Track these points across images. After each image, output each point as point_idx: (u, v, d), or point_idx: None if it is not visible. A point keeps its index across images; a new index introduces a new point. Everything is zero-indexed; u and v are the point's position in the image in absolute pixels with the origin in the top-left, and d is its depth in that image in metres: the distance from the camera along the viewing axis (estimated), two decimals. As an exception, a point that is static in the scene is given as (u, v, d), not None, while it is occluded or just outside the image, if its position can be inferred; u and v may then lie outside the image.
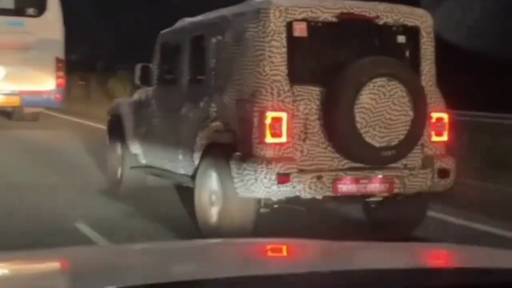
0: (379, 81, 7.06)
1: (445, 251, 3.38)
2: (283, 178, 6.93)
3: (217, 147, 7.61)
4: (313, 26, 7.22)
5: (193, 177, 7.97)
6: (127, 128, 9.91)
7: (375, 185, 7.33)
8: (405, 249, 3.44)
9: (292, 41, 7.15)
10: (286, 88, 7.09)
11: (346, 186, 7.21)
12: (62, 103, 18.89)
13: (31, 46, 17.85)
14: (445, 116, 7.67)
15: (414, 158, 7.49)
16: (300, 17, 7.18)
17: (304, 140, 7.12)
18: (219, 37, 7.84)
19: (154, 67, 9.40)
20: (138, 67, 9.36)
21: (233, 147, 7.31)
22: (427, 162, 7.54)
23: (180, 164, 8.53)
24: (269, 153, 7.01)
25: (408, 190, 7.45)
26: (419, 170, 7.50)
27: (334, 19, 7.27)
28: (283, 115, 7.02)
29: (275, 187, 6.94)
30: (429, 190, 7.55)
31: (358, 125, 7.03)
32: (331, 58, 7.33)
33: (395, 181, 7.37)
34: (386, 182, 7.34)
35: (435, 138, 7.59)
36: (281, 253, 3.29)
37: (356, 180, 7.24)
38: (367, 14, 7.43)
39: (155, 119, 9.28)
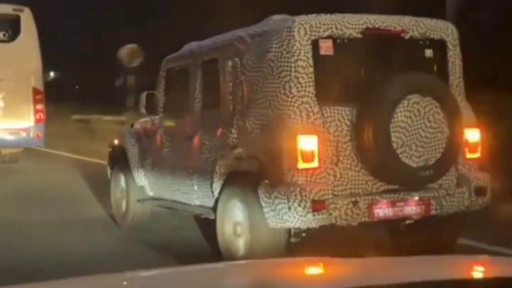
0: (414, 97, 6.71)
1: (485, 262, 3.25)
2: (318, 205, 6.52)
3: (241, 176, 7.20)
4: (339, 44, 6.85)
5: (214, 208, 7.53)
6: (131, 160, 9.47)
7: (411, 207, 6.95)
8: (445, 261, 3.33)
9: (319, 60, 6.77)
10: (315, 109, 6.70)
11: (382, 210, 6.82)
12: (43, 141, 16.18)
13: (3, 76, 15.38)
14: (477, 131, 7.32)
15: (449, 177, 7.12)
16: (325, 34, 6.81)
17: (336, 164, 6.73)
18: (236, 60, 7.45)
19: (159, 94, 8.97)
20: (144, 96, 8.93)
21: (259, 174, 6.89)
22: (462, 180, 7.18)
23: (195, 195, 8.10)
24: (301, 179, 6.60)
25: (445, 211, 7.08)
26: (455, 190, 7.13)
27: (359, 35, 6.91)
28: (314, 139, 6.63)
29: (310, 215, 6.53)
30: (466, 210, 7.18)
31: (394, 145, 6.66)
32: (359, 76, 6.97)
33: (431, 202, 7.00)
34: (422, 204, 6.97)
35: (469, 155, 7.24)
36: (320, 271, 3.19)
37: (393, 203, 6.85)
38: (393, 29, 7.09)
39: (164, 149, 8.84)
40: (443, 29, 7.32)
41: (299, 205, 6.51)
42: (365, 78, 6.92)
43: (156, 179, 9.11)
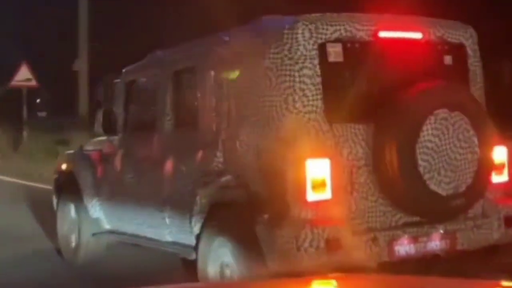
0: (441, 112, 5.59)
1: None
2: (333, 245, 5.35)
3: (229, 208, 5.97)
4: (350, 48, 5.70)
5: (195, 247, 6.29)
6: (84, 187, 8.16)
7: (435, 242, 5.84)
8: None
9: (326, 68, 5.60)
10: (325, 127, 5.53)
11: (404, 248, 5.69)
12: None
13: None
14: (504, 149, 6.25)
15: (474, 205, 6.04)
16: (333, 37, 5.65)
17: (351, 193, 5.57)
18: (219, 69, 6.24)
19: (118, 111, 7.69)
20: (100, 113, 7.63)
21: (253, 207, 5.68)
22: (489, 209, 6.11)
23: (166, 229, 6.86)
24: (311, 213, 5.42)
25: (472, 246, 5.98)
26: (483, 220, 6.05)
27: (371, 38, 5.78)
28: (326, 163, 5.46)
29: (324, 257, 5.34)
30: (496, 243, 6.10)
31: (421, 170, 5.52)
32: (374, 86, 5.81)
33: (457, 236, 5.90)
34: (447, 238, 5.86)
35: (495, 178, 6.16)
36: None
37: (415, 239, 5.73)
38: (408, 31, 5.98)
39: (126, 175, 7.55)
40: (462, 32, 6.25)
41: (311, 246, 5.32)
42: (380, 89, 5.76)
43: (115, 210, 7.82)
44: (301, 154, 5.43)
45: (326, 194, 5.43)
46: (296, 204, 5.43)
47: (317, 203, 5.42)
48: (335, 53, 5.63)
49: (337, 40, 5.66)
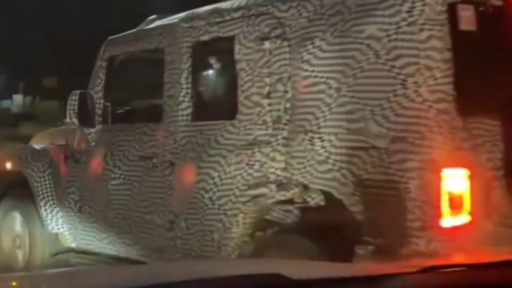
0: None
1: None
2: None
3: (301, 231, 4.28)
4: (482, 13, 4.10)
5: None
6: (40, 194, 6.26)
7: None
8: None
9: (457, 39, 3.98)
10: (459, 124, 3.92)
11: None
12: None
13: None
14: None
15: None
16: None
17: (488, 216, 3.97)
18: (279, 39, 4.52)
19: (96, 96, 5.81)
20: (74, 97, 5.74)
21: (347, 235, 4.02)
22: None
23: (176, 254, 5.11)
24: (447, 245, 3.79)
25: None
26: None
27: (503, 2, 4.21)
28: (464, 175, 3.84)
29: None
30: None
31: None
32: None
33: None
34: None
35: None
36: None
37: None
38: None
39: (109, 180, 5.70)
40: None
41: None
42: None
43: (86, 224, 5.96)
44: (434, 162, 3.80)
45: (464, 217, 3.82)
46: (423, 232, 3.79)
47: (455, 229, 3.80)
48: (467, 18, 4.02)
49: (467, 1, 4.05)
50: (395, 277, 2.04)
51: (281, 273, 1.99)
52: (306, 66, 4.32)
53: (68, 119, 5.80)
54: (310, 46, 4.30)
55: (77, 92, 5.73)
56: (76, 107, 5.71)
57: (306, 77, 4.32)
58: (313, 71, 4.28)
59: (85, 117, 5.78)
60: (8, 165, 6.71)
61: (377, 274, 2.11)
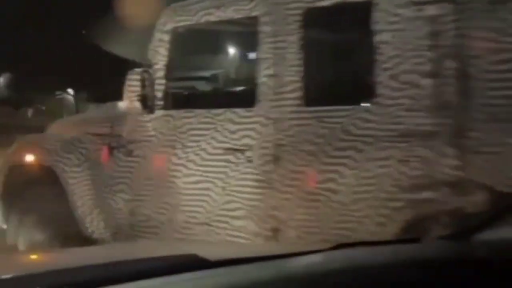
0: None
1: None
2: None
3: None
4: None
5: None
6: (76, 194, 5.25)
7: None
8: None
9: None
10: None
11: None
12: None
13: None
14: None
15: None
16: None
17: None
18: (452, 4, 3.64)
19: (156, 75, 4.80)
20: (135, 76, 4.71)
21: None
22: None
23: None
24: None
25: None
26: None
27: None
28: None
29: None
30: None
31: None
32: None
33: None
34: None
35: None
36: None
37: None
38: None
39: (173, 177, 4.72)
40: None
41: None
42: None
43: (142, 228, 4.98)
44: None
45: None
46: None
47: None
48: None
49: None
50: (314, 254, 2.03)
51: (198, 254, 1.93)
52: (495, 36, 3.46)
53: (126, 103, 4.77)
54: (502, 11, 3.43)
55: (139, 70, 4.72)
56: (139, 89, 4.69)
57: (496, 51, 3.45)
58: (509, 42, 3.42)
59: (143, 101, 4.77)
60: (27, 158, 5.62)
61: (293, 252, 2.07)
